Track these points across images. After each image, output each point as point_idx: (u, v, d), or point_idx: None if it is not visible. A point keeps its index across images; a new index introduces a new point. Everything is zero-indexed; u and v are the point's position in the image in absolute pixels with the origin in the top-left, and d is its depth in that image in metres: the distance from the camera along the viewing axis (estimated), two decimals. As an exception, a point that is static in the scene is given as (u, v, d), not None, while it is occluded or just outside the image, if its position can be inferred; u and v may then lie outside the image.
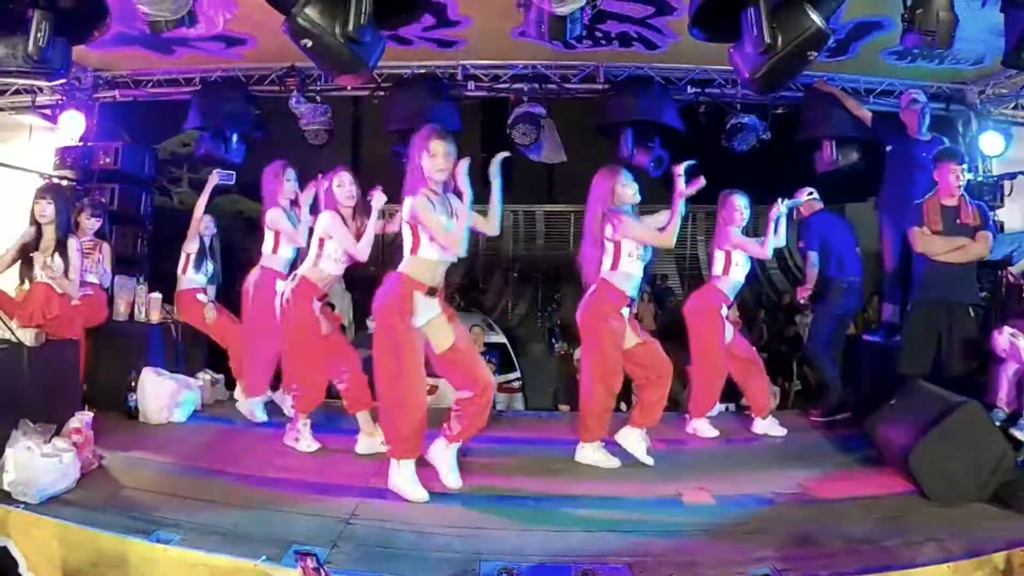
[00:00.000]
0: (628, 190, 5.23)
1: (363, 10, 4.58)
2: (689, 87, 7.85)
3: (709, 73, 7.76)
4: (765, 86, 5.03)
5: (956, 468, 4.45)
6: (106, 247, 6.51)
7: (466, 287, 12.31)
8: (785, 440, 5.91)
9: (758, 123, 7.85)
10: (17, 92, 7.82)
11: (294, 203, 6.10)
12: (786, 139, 7.94)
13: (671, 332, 11.24)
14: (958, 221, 5.48)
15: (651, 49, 7.23)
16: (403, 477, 4.51)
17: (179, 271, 6.75)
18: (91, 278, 6.21)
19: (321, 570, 3.25)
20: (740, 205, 6.03)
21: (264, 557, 3.48)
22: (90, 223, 6.41)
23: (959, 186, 5.53)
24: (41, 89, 7.74)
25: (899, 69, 7.45)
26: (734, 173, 9.87)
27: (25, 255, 5.48)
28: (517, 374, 9.30)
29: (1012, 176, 7.36)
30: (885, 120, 7.12)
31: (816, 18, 4.58)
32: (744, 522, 4.23)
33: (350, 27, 4.59)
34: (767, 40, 4.54)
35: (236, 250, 6.70)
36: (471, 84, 7.82)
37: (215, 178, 6.74)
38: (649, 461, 5.25)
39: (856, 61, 7.23)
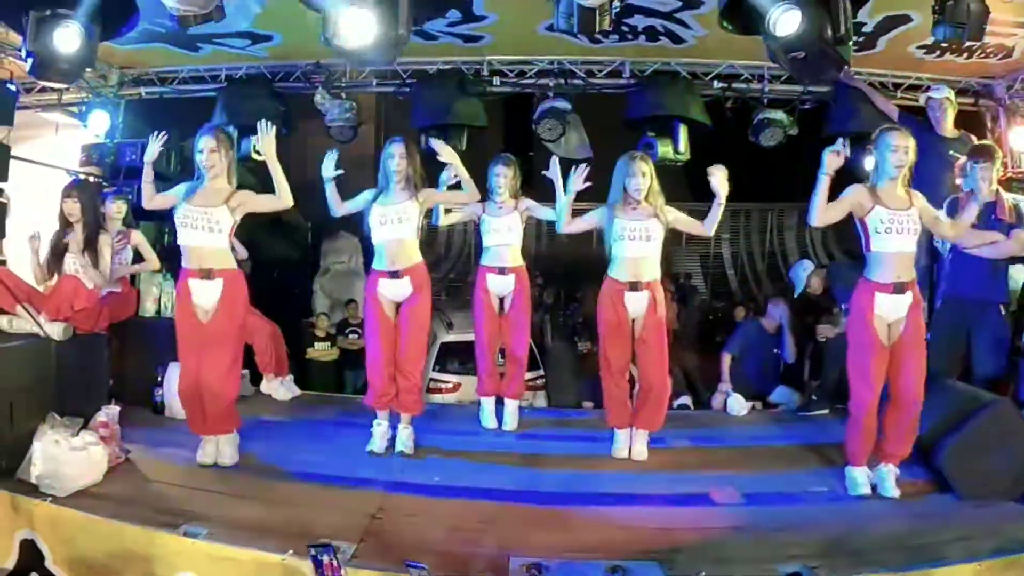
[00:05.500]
0: None
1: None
2: (716, 82, 7.81)
3: (736, 68, 7.72)
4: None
5: (987, 467, 4.40)
6: (135, 234, 6.51)
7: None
8: (815, 439, 5.84)
9: (785, 118, 7.79)
10: (43, 90, 7.88)
11: None
12: (813, 134, 7.86)
13: (694, 331, 11.25)
14: (993, 217, 5.40)
15: (677, 44, 7.19)
16: None
17: None
18: (118, 272, 6.23)
19: (334, 562, 3.26)
20: None
21: (291, 552, 3.48)
22: (116, 206, 6.43)
23: (991, 182, 5.45)
24: (67, 87, 7.77)
25: (927, 63, 7.38)
26: (761, 169, 9.89)
27: (58, 254, 5.50)
28: (540, 371, 9.27)
29: (1042, 171, 7.28)
30: (912, 116, 7.04)
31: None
32: (775, 520, 4.20)
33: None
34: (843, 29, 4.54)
35: (256, 248, 6.67)
36: (496, 79, 7.80)
37: None
38: None
39: (884, 55, 7.17)
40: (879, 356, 4.57)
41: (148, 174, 5.01)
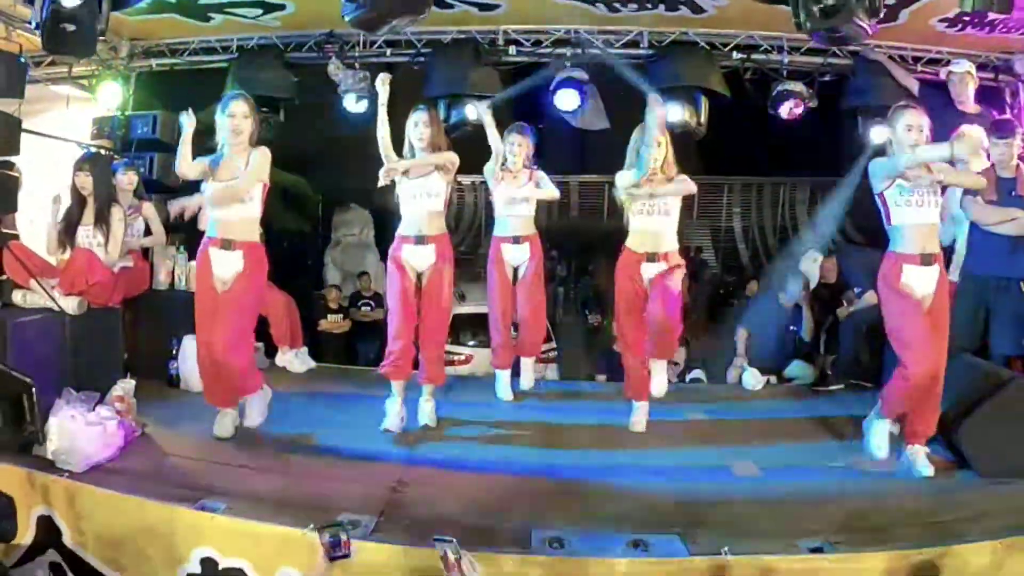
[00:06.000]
0: None
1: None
2: (735, 53, 7.73)
3: (755, 39, 7.64)
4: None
5: (1006, 444, 4.36)
6: (147, 206, 6.48)
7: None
8: (836, 414, 5.82)
9: (804, 90, 7.71)
10: (53, 63, 7.81)
11: None
12: (833, 107, 7.80)
13: (704, 305, 11.23)
14: (1014, 193, 5.33)
15: (697, 13, 7.11)
16: None
17: None
18: (129, 244, 6.21)
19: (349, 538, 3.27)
20: None
21: (312, 525, 3.46)
22: (127, 176, 6.40)
23: (1012, 157, 5.39)
24: (77, 60, 7.72)
25: (948, 37, 7.28)
26: (773, 142, 9.82)
27: (70, 227, 5.48)
28: (552, 344, 9.28)
29: (1061, 149, 7.19)
30: (932, 90, 6.96)
31: None
32: (796, 494, 4.18)
33: None
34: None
35: (267, 220, 6.65)
36: (512, 49, 7.73)
37: None
38: None
39: (905, 28, 7.06)
40: (922, 318, 4.50)
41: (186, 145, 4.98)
